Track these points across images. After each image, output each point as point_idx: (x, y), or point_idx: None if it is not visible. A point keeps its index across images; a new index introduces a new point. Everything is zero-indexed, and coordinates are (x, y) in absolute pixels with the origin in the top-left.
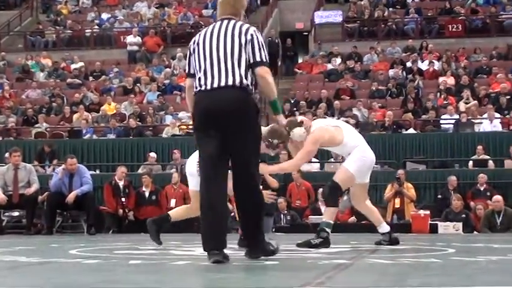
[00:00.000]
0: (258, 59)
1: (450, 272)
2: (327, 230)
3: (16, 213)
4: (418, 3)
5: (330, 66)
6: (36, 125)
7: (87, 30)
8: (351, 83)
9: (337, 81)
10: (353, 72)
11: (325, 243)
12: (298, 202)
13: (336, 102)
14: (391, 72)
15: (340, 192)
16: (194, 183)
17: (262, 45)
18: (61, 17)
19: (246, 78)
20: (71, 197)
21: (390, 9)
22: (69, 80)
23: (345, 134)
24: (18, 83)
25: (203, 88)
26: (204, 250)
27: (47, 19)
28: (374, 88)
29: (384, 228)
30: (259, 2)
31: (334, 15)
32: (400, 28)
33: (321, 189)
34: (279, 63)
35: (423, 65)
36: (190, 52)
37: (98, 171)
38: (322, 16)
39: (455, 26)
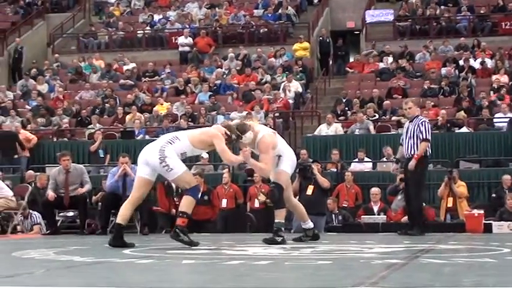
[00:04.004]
0: None
1: (505, 272)
2: (282, 229)
3: (71, 213)
4: (471, 1)
5: (381, 65)
6: (90, 126)
7: (139, 32)
8: (403, 81)
9: (389, 80)
10: (405, 71)
11: (284, 241)
12: (346, 203)
13: (387, 101)
14: (443, 70)
15: (283, 192)
16: (147, 171)
17: None
18: (113, 18)
19: None
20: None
21: (442, 7)
22: (121, 81)
23: (278, 139)
24: (71, 85)
25: None
26: None
27: (99, 21)
28: (426, 87)
29: (309, 224)
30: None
31: (386, 14)
32: (452, 26)
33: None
34: (330, 62)
35: (476, 63)
36: None
37: None
38: (373, 15)
39: (508, 23)
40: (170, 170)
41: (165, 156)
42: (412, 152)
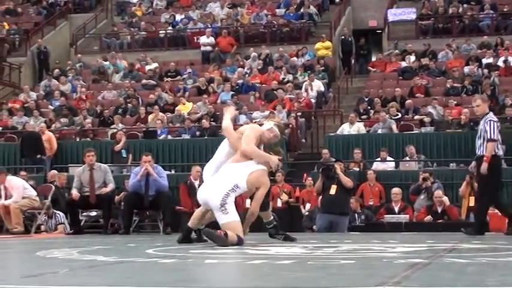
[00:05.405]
0: None
1: None
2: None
3: (94, 213)
4: None
5: (404, 64)
6: (112, 126)
7: (161, 32)
8: (426, 80)
9: (412, 79)
10: (428, 70)
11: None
12: (372, 201)
13: (409, 100)
14: (466, 69)
15: None
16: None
17: None
18: (135, 18)
19: None
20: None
21: (465, 5)
22: (143, 81)
23: None
24: (94, 85)
25: None
26: None
27: (121, 21)
28: (449, 85)
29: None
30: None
31: (408, 13)
32: (475, 24)
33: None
34: (352, 61)
35: (499, 62)
36: None
37: (173, 171)
38: (395, 14)
39: None
40: (226, 213)
41: (225, 203)
42: (481, 152)
